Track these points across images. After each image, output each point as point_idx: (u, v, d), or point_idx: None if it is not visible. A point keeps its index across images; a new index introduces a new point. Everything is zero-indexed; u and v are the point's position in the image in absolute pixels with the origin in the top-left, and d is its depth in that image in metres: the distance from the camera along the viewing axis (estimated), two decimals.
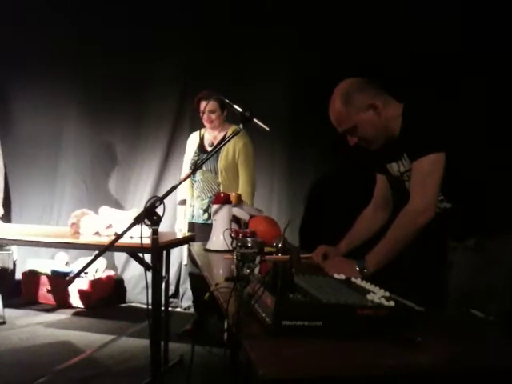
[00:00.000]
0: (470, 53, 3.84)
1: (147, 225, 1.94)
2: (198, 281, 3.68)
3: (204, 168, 3.78)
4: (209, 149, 3.87)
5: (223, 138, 3.77)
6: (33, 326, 4.17)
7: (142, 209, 1.91)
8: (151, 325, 1.99)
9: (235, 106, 2.12)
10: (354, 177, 4.09)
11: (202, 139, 3.95)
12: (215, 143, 3.85)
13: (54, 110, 5.10)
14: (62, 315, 4.54)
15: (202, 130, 3.99)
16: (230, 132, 3.79)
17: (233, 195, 2.97)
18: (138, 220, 1.93)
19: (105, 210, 3.25)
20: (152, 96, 4.86)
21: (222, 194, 2.82)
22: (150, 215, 1.93)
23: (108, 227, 3.12)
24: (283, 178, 4.68)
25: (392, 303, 1.29)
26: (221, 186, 3.77)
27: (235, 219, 3.00)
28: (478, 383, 1.18)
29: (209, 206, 3.73)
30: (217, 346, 2.79)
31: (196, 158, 3.89)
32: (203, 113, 3.79)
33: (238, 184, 3.81)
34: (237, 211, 2.94)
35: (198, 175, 3.84)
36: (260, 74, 4.52)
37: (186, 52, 4.73)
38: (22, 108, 4.95)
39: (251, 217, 2.90)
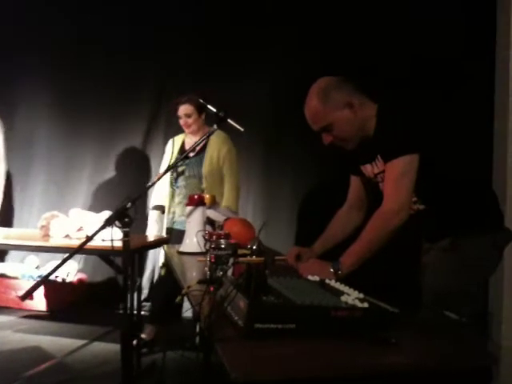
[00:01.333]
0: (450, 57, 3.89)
1: (118, 227, 1.90)
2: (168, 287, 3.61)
3: (187, 174, 3.71)
4: (191, 154, 3.73)
5: (205, 143, 3.68)
6: (2, 332, 4.07)
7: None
8: (122, 329, 1.95)
9: (209, 107, 2.10)
10: (330, 178, 4.10)
11: (182, 144, 3.85)
12: (197, 149, 3.72)
13: (25, 111, 5.01)
14: (32, 320, 4.44)
15: (184, 135, 3.89)
16: (213, 137, 3.61)
17: (207, 197, 2.95)
18: (109, 222, 1.89)
19: (75, 212, 3.20)
20: (126, 98, 4.79)
21: (195, 196, 2.79)
22: (121, 217, 1.90)
23: (79, 230, 3.07)
24: (259, 180, 4.66)
25: (366, 304, 1.28)
26: (205, 191, 3.64)
27: (210, 221, 2.98)
28: (452, 383, 1.18)
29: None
30: (189, 349, 2.75)
31: (180, 163, 3.74)
32: (180, 117, 3.72)
33: (223, 190, 3.73)
34: (211, 213, 2.92)
35: (181, 181, 3.74)
36: (241, 75, 4.50)
37: (164, 53, 4.68)
38: None
39: (226, 219, 2.88)
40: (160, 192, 3.86)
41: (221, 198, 3.66)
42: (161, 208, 3.87)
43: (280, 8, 4.43)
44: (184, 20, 4.64)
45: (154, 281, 4.71)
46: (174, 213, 3.80)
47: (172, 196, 3.81)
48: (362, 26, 4.18)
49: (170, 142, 3.96)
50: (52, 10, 4.82)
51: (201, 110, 3.66)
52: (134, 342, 3.17)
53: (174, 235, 3.67)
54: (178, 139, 3.91)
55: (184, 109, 3.68)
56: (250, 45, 4.49)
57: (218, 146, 3.67)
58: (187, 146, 3.81)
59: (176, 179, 3.76)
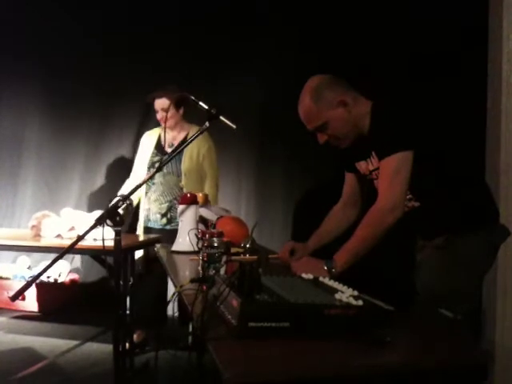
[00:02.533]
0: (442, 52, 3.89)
1: (109, 226, 1.88)
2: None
3: (165, 170, 3.62)
4: (168, 150, 3.69)
5: (185, 139, 3.63)
6: None
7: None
8: (114, 330, 1.93)
9: (201, 103, 2.06)
10: (323, 176, 4.10)
11: (159, 139, 3.75)
12: (175, 144, 3.69)
13: (15, 110, 4.96)
14: (23, 321, 4.41)
15: (159, 130, 3.79)
16: (191, 133, 3.61)
17: (200, 195, 2.93)
18: (100, 221, 1.86)
19: (67, 211, 3.17)
20: (117, 97, 4.75)
21: (188, 195, 2.77)
22: (112, 216, 1.87)
23: (70, 229, 3.03)
24: (251, 178, 4.65)
25: (360, 302, 1.26)
26: (184, 189, 3.59)
27: (202, 220, 2.95)
28: (447, 381, 1.17)
29: (168, 211, 3.60)
30: (182, 349, 2.73)
31: (155, 158, 3.69)
32: (157, 111, 3.64)
33: (201, 187, 3.65)
34: (204, 212, 2.90)
35: (158, 177, 3.65)
36: (230, 73, 4.47)
37: (153, 53, 4.64)
38: None
39: (219, 217, 2.86)
40: (130, 186, 3.60)
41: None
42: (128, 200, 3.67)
43: (274, 6, 4.41)
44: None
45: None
46: (148, 210, 3.71)
47: (146, 193, 3.70)
48: (354, 23, 4.17)
49: (145, 136, 3.86)
50: (43, 9, 4.77)
51: (179, 104, 3.59)
52: (127, 343, 3.15)
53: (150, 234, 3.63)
54: (153, 134, 3.81)
55: (161, 103, 3.58)
56: (243, 43, 4.47)
57: (198, 143, 3.58)
58: (163, 142, 3.71)
59: (152, 176, 3.60)
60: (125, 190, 3.68)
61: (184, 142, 3.55)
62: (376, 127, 1.90)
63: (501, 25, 3.48)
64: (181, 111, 3.64)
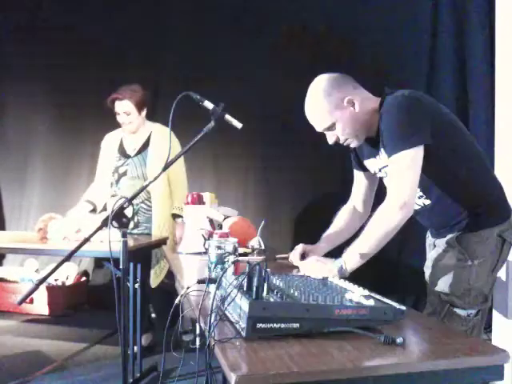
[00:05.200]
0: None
1: (115, 227, 1.86)
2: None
3: (130, 175, 3.43)
4: (132, 153, 3.49)
5: (148, 140, 3.46)
6: (2, 336, 4.05)
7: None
8: (121, 332, 1.91)
9: (205, 102, 2.03)
10: (330, 176, 4.08)
11: (121, 142, 3.55)
12: (138, 147, 3.48)
13: (21, 114, 4.97)
14: (32, 324, 4.41)
15: (120, 132, 3.57)
16: (155, 131, 3.46)
17: (207, 196, 2.91)
18: (106, 222, 1.85)
19: (73, 214, 3.16)
20: None
21: (195, 195, 2.75)
22: (118, 217, 1.85)
23: (77, 232, 3.02)
24: (257, 179, 4.64)
25: (372, 302, 1.24)
26: (152, 192, 3.40)
27: (209, 220, 2.94)
28: (462, 381, 1.15)
29: (134, 215, 3.41)
30: (189, 351, 2.71)
31: (119, 162, 3.49)
32: (117, 113, 3.41)
33: (170, 188, 3.48)
34: (211, 212, 2.88)
35: (123, 182, 3.45)
36: (235, 72, 4.45)
37: (159, 55, 4.63)
38: None
39: (225, 218, 2.84)
40: (95, 190, 3.54)
41: (168, 199, 3.47)
42: (92, 204, 3.50)
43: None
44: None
45: None
46: None
47: (113, 196, 3.48)
48: (358, 21, 4.16)
49: (106, 139, 3.64)
50: (47, 10, 4.79)
51: (141, 106, 3.40)
52: (135, 345, 3.13)
53: None
54: (114, 136, 3.60)
55: (122, 105, 3.37)
56: (248, 45, 4.47)
57: (160, 143, 3.42)
58: (126, 145, 3.53)
59: (117, 181, 3.47)
60: (89, 195, 3.54)
61: (147, 145, 3.45)
62: (385, 124, 1.87)
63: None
64: (143, 113, 3.45)
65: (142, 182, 3.36)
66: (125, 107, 3.36)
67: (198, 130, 1.99)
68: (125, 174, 3.42)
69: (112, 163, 3.51)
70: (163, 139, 3.42)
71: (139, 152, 3.45)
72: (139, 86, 3.41)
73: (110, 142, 3.60)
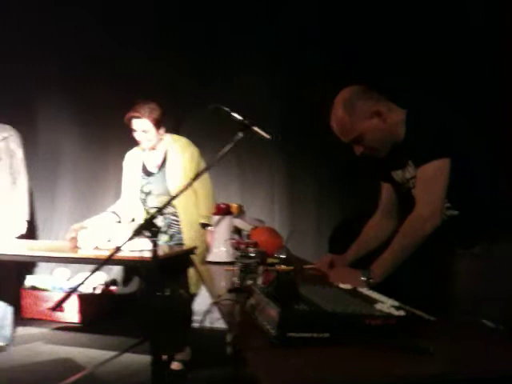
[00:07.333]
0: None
1: (147, 236, 1.90)
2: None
3: (155, 192, 3.43)
4: (154, 170, 3.48)
5: (165, 155, 3.43)
6: (33, 343, 4.11)
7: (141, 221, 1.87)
8: (151, 341, 1.94)
9: (234, 114, 2.06)
10: (356, 185, 4.07)
11: (142, 160, 3.54)
12: (159, 163, 3.46)
13: (51, 125, 5.07)
14: (62, 332, 4.48)
15: (139, 150, 3.54)
16: (171, 143, 3.44)
17: (234, 206, 2.94)
18: (138, 232, 1.88)
19: (96, 221, 3.22)
20: None
21: (222, 205, 2.79)
22: (148, 226, 1.89)
23: (107, 241, 3.07)
24: (284, 189, 4.64)
25: (402, 312, 1.24)
26: (177, 205, 3.35)
27: (236, 230, 2.97)
28: None
29: (168, 228, 3.42)
30: (220, 359, 2.73)
31: (143, 181, 3.48)
32: (135, 130, 3.37)
33: (195, 200, 3.41)
34: (238, 222, 2.91)
35: (151, 201, 3.44)
36: (256, 80, 4.49)
37: (182, 67, 4.68)
38: (20, 121, 4.93)
39: (253, 228, 2.87)
40: (121, 205, 3.55)
41: (194, 209, 3.42)
42: (117, 216, 3.51)
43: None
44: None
45: None
46: None
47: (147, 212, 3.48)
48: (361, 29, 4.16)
49: (128, 158, 3.62)
50: (79, 23, 4.88)
51: (159, 125, 3.36)
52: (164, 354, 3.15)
53: None
54: (135, 155, 3.58)
55: (140, 124, 3.32)
56: (270, 51, 4.49)
57: (177, 156, 3.40)
58: (147, 162, 3.52)
59: (145, 200, 3.48)
60: (115, 207, 3.56)
61: (165, 160, 3.42)
62: (412, 135, 1.87)
63: None
64: (161, 131, 3.41)
65: (167, 198, 3.22)
66: (143, 125, 3.33)
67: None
68: (150, 192, 3.43)
69: (136, 182, 3.51)
70: (179, 151, 3.42)
71: (160, 168, 3.44)
72: (156, 103, 3.39)
73: (131, 160, 3.59)
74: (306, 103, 4.15)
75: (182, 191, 2.05)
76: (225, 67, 4.59)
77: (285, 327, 1.17)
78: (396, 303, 1.33)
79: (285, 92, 4.48)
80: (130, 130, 3.39)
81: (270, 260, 2.37)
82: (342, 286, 1.59)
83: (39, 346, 4.07)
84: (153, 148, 3.44)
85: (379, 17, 4.14)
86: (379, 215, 2.27)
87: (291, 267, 2.28)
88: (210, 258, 2.71)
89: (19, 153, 3.79)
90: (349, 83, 2.02)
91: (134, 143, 3.50)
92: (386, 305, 1.29)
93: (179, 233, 3.44)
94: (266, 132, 2.16)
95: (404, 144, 1.93)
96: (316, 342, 1.19)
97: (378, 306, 1.29)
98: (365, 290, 1.52)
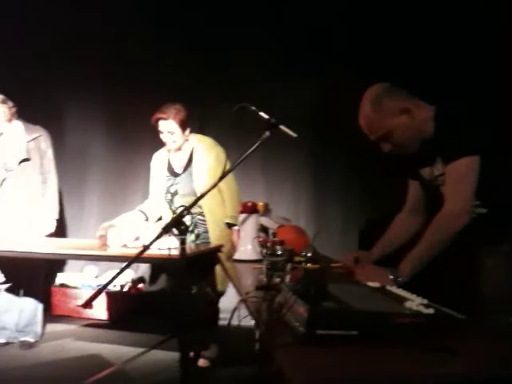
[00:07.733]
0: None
1: (175, 235, 1.92)
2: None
3: (181, 192, 3.44)
4: (180, 170, 3.50)
5: (191, 155, 3.46)
6: (63, 340, 4.17)
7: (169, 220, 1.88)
8: (178, 338, 1.96)
9: (261, 113, 2.07)
10: (382, 183, 4.04)
11: (169, 161, 3.57)
12: (184, 164, 3.48)
13: (80, 125, 5.14)
14: (91, 328, 4.54)
15: (166, 151, 3.58)
16: (196, 143, 3.46)
17: (260, 204, 2.95)
18: (166, 230, 1.90)
19: (124, 219, 3.26)
20: None
21: (249, 204, 2.80)
22: (177, 224, 1.91)
23: (136, 239, 3.11)
24: (309, 187, 4.64)
25: (431, 310, 1.24)
26: (202, 205, 3.36)
27: (263, 229, 2.97)
28: None
29: (194, 227, 3.43)
30: (248, 356, 2.73)
31: (169, 182, 3.51)
32: (161, 132, 3.41)
33: (220, 200, 3.40)
34: (265, 220, 2.92)
35: (177, 201, 3.44)
36: (283, 81, 4.49)
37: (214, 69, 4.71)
38: (50, 121, 5.02)
39: (279, 226, 2.87)
40: (149, 205, 3.59)
41: (220, 209, 3.42)
42: (145, 215, 3.55)
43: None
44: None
45: None
46: None
47: (173, 212, 3.50)
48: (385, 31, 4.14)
49: (155, 158, 3.67)
50: (107, 23, 4.92)
51: (184, 126, 3.39)
52: (191, 352, 3.16)
53: None
54: (162, 155, 3.62)
55: (166, 125, 3.36)
56: (297, 53, 4.50)
57: (203, 156, 3.42)
58: (173, 163, 3.55)
59: (171, 200, 3.49)
60: (143, 206, 3.59)
61: (191, 160, 3.45)
62: (441, 132, 1.86)
63: None
64: (186, 132, 3.43)
65: (193, 198, 3.21)
66: (169, 127, 3.36)
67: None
68: (176, 193, 3.45)
69: (163, 182, 3.54)
70: (204, 151, 3.44)
71: (186, 168, 3.47)
72: (181, 104, 3.41)
73: (158, 161, 3.63)
74: (333, 102, 4.14)
75: (209, 190, 2.06)
76: (251, 66, 4.60)
77: (313, 324, 1.18)
78: (425, 301, 1.32)
79: (311, 91, 4.47)
80: (158, 131, 3.43)
81: (296, 258, 2.37)
82: (370, 284, 1.59)
83: (68, 342, 4.13)
84: (179, 149, 3.47)
85: (406, 14, 4.11)
86: (406, 213, 2.26)
87: (318, 265, 2.28)
88: (237, 256, 2.72)
89: (49, 153, 3.86)
90: (375, 81, 2.02)
91: (162, 144, 3.53)
92: (415, 303, 1.29)
93: (205, 232, 3.46)
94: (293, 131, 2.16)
95: (433, 141, 1.92)
96: (344, 340, 1.19)
97: (407, 304, 1.28)
98: (393, 289, 1.51)
